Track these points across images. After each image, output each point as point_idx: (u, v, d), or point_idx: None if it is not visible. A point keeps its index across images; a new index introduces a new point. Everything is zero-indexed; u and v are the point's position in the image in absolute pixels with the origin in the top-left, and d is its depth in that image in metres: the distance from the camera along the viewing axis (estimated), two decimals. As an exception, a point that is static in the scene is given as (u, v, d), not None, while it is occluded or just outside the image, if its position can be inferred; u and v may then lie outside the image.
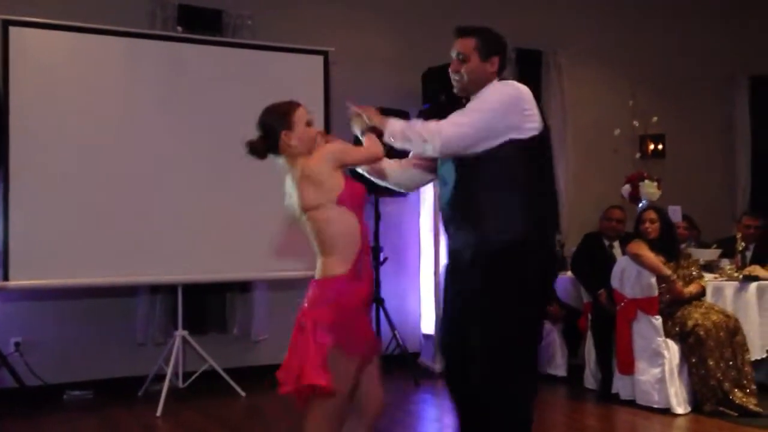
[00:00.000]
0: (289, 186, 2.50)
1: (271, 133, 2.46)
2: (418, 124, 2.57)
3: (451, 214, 2.64)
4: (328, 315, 2.29)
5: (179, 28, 5.22)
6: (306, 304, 2.38)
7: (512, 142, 2.49)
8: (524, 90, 2.57)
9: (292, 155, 2.45)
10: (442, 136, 2.49)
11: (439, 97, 5.73)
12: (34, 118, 4.56)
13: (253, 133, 4.95)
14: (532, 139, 2.52)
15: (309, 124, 2.48)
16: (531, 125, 2.53)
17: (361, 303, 2.40)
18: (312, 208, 2.39)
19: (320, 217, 2.38)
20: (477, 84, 2.62)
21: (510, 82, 2.64)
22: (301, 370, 2.25)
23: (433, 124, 2.52)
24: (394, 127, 2.57)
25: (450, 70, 2.67)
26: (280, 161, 2.50)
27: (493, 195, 2.52)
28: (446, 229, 2.72)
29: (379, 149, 2.54)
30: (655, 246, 4.57)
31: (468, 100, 2.66)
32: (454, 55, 2.65)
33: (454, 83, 2.67)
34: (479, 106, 2.55)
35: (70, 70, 4.67)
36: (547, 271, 2.65)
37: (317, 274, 2.41)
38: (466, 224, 2.57)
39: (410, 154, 2.81)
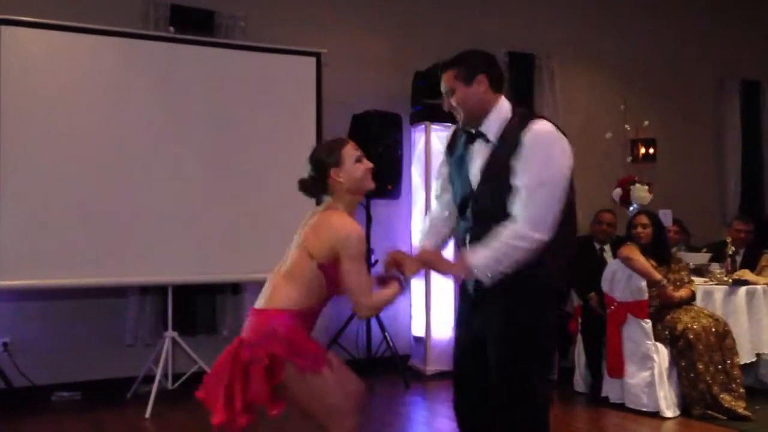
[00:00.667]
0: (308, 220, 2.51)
1: (321, 169, 2.42)
2: (500, 247, 2.35)
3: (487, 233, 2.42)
4: (276, 348, 2.33)
5: (172, 29, 5.20)
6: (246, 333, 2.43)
7: None
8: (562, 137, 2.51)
9: (340, 192, 2.43)
10: (535, 238, 2.35)
11: (429, 100, 5.74)
12: (25, 118, 4.53)
13: (245, 135, 4.95)
14: None
15: (359, 160, 2.44)
16: None
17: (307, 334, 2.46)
18: (308, 251, 2.42)
19: (300, 257, 2.45)
20: (476, 109, 2.51)
21: (549, 130, 2.47)
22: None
23: (510, 234, 2.35)
24: (478, 262, 2.37)
25: (445, 109, 2.59)
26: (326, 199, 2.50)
27: None
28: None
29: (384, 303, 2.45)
30: (646, 250, 4.59)
31: (477, 129, 2.51)
32: (443, 92, 2.56)
33: (457, 119, 2.57)
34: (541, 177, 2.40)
35: (62, 70, 4.65)
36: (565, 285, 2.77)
37: (268, 301, 2.42)
38: None
39: (429, 223, 2.75)
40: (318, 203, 2.50)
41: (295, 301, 2.37)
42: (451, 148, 2.66)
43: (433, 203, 2.80)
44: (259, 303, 2.45)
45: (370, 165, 2.45)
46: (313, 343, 2.39)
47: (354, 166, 2.41)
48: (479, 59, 2.56)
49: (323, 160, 2.41)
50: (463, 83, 2.50)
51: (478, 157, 2.50)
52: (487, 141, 2.48)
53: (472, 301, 2.56)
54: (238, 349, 2.36)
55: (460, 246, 2.58)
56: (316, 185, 2.45)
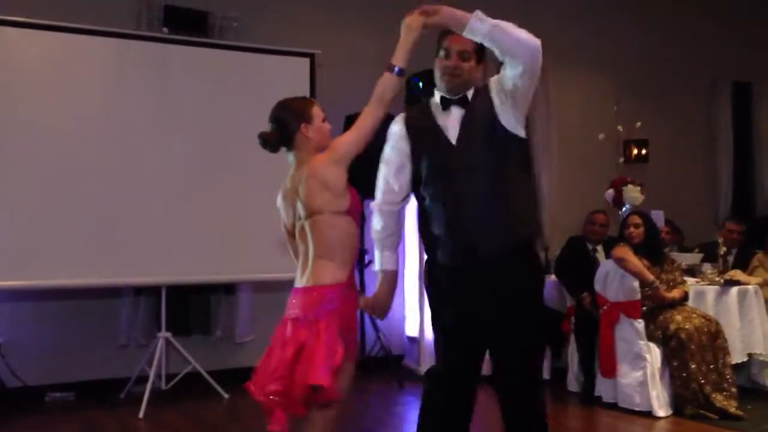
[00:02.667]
0: (293, 184, 2.52)
1: (287, 125, 2.52)
2: (509, 25, 2.50)
3: (480, 205, 2.48)
4: (335, 323, 2.33)
5: (165, 29, 5.21)
6: (300, 310, 2.37)
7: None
8: None
9: (307, 150, 2.53)
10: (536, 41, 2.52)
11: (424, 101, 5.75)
12: (18, 119, 4.52)
13: (238, 135, 4.94)
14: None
15: (324, 120, 2.59)
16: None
17: (356, 311, 2.49)
18: (317, 212, 2.41)
19: (326, 221, 2.43)
20: (470, 83, 2.61)
21: None
22: (307, 371, 2.26)
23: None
24: (480, 23, 2.46)
25: (449, 64, 2.58)
26: (290, 157, 2.57)
27: (522, 182, 2.56)
28: (462, 224, 2.50)
29: (383, 104, 2.55)
30: (639, 251, 4.61)
31: (458, 96, 2.59)
32: (454, 50, 2.59)
33: (449, 79, 2.58)
34: None
35: (55, 71, 4.64)
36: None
37: (312, 279, 2.40)
38: (499, 215, 2.48)
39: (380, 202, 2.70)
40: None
41: (338, 271, 2.43)
42: (412, 125, 2.66)
43: (380, 201, 2.68)
44: (303, 282, 2.47)
45: (330, 126, 2.61)
46: (346, 327, 2.46)
47: (322, 124, 2.56)
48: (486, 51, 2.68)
49: (296, 114, 2.52)
50: (477, 59, 2.62)
51: (454, 118, 2.56)
52: (464, 104, 2.58)
53: (464, 279, 2.53)
54: (294, 330, 2.36)
55: (448, 217, 2.54)
56: (281, 138, 2.53)
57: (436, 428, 2.63)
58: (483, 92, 2.58)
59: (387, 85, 2.51)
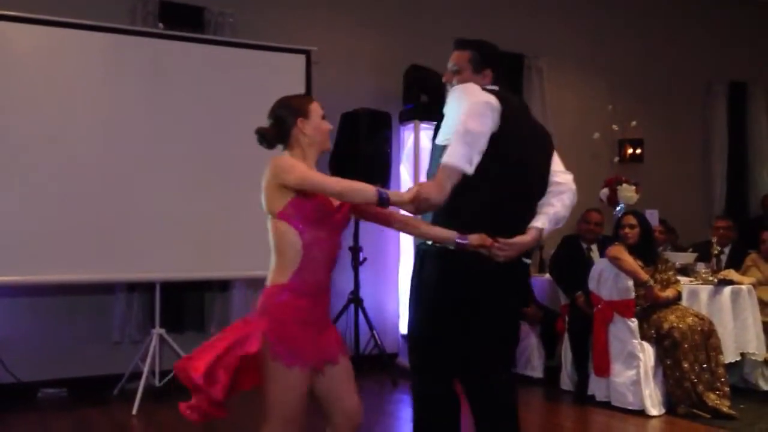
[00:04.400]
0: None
1: (284, 121, 2.45)
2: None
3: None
4: (262, 324, 2.25)
5: (161, 25, 5.19)
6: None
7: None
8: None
9: (302, 147, 2.43)
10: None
11: (420, 98, 5.76)
12: (11, 114, 4.49)
13: (233, 132, 4.94)
14: None
15: (323, 118, 2.49)
16: None
17: (302, 317, 2.30)
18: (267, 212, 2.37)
19: (269, 224, 2.37)
20: None
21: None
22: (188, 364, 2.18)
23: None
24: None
25: (444, 80, 2.70)
26: (286, 155, 2.45)
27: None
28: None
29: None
30: (633, 250, 4.62)
31: None
32: (449, 66, 2.69)
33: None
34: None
35: (50, 66, 4.62)
36: None
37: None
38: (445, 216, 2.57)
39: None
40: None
41: (279, 273, 2.33)
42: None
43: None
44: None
45: (330, 126, 2.50)
46: (302, 336, 2.26)
47: (320, 122, 2.45)
48: (493, 53, 2.71)
49: (293, 109, 2.44)
50: (472, 69, 2.63)
51: None
52: None
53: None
54: (240, 325, 2.31)
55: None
56: (277, 135, 2.46)
57: None
58: None
59: (367, 193, 2.29)
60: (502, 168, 2.53)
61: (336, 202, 2.37)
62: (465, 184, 2.46)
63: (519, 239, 2.55)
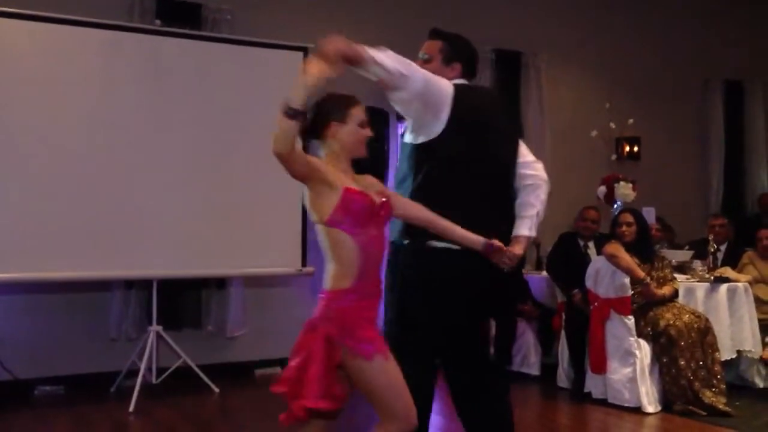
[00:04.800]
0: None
1: (321, 118, 2.35)
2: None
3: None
4: (330, 330, 2.23)
5: (158, 21, 5.18)
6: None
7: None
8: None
9: (333, 150, 2.34)
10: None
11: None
12: (6, 111, 4.48)
13: (231, 129, 4.94)
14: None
15: (362, 125, 2.36)
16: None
17: (367, 317, 2.29)
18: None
19: (320, 232, 2.30)
20: None
21: None
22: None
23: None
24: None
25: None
26: (320, 151, 2.39)
27: None
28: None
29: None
30: (630, 248, 4.62)
31: None
32: (420, 55, 2.69)
33: None
34: None
35: (47, 63, 4.60)
36: None
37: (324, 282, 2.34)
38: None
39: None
40: (305, 148, 2.35)
41: (340, 279, 2.25)
42: None
43: None
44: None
45: (370, 134, 2.40)
46: (371, 329, 2.26)
47: (356, 129, 2.35)
48: (465, 49, 2.72)
49: (329, 110, 2.35)
50: (442, 59, 2.64)
51: None
52: None
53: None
54: (308, 332, 2.28)
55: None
56: (312, 130, 2.37)
57: None
58: None
59: None
60: (467, 161, 2.56)
61: (378, 198, 2.32)
62: (432, 180, 2.51)
63: (514, 254, 2.59)
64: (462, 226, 2.49)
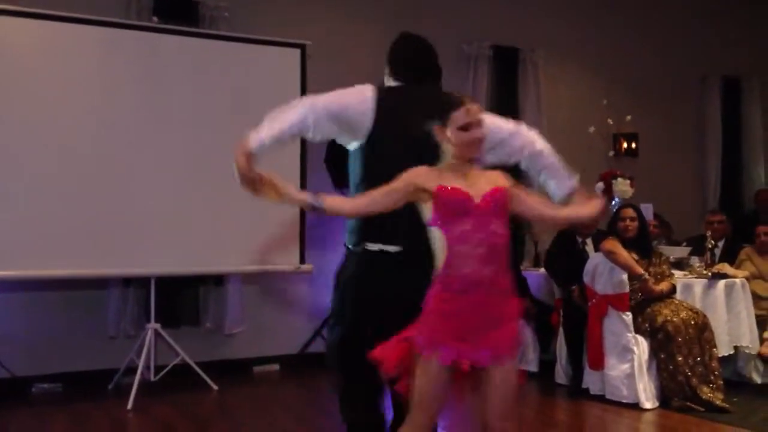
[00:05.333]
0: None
1: (435, 121, 2.37)
2: None
3: None
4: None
5: (155, 19, 5.17)
6: None
7: None
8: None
9: (447, 152, 2.34)
10: None
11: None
12: (3, 109, 4.47)
13: (229, 126, 4.88)
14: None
15: (464, 128, 2.28)
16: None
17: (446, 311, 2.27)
18: None
19: None
20: None
21: None
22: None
23: None
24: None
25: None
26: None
27: None
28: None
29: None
30: (628, 244, 4.63)
31: None
32: None
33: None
34: None
35: (43, 60, 4.59)
36: None
37: None
38: None
39: None
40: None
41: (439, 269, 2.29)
42: None
43: None
44: None
45: (476, 136, 2.31)
46: (443, 329, 2.21)
47: (456, 133, 2.30)
48: (395, 50, 2.88)
49: (441, 112, 2.35)
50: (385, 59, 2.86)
51: None
52: None
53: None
54: None
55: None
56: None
57: None
58: None
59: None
60: (393, 160, 2.50)
61: (478, 194, 2.26)
62: (369, 182, 2.50)
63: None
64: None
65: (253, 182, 2.44)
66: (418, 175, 2.30)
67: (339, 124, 2.64)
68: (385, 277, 2.61)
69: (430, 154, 2.36)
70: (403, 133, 2.58)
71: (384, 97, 2.67)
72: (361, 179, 2.65)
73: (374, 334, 2.38)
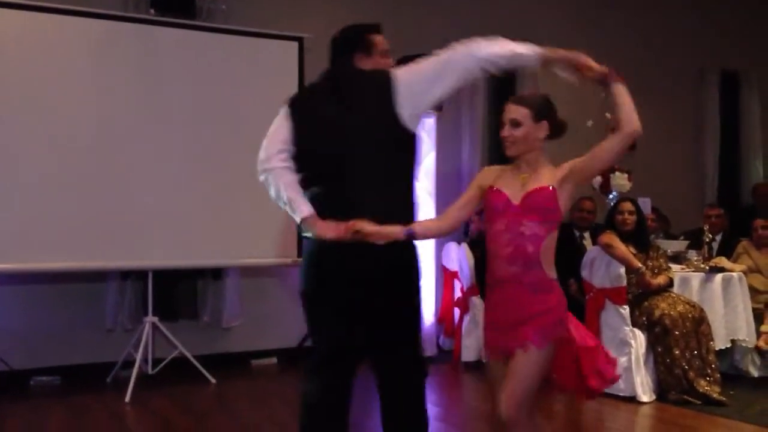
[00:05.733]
0: None
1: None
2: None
3: None
4: None
5: (152, 11, 5.15)
6: None
7: None
8: None
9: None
10: None
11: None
12: (1, 101, 4.47)
13: (226, 119, 4.85)
14: None
15: (502, 125, 2.50)
16: None
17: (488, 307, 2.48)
18: None
19: None
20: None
21: None
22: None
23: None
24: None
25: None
26: None
27: None
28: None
29: None
30: (626, 237, 4.63)
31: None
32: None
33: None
34: None
35: (40, 52, 4.58)
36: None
37: None
38: None
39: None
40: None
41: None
42: None
43: None
44: None
45: (504, 134, 2.50)
46: (486, 326, 2.48)
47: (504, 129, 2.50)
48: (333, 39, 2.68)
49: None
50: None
51: None
52: None
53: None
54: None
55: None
56: None
57: None
58: None
59: None
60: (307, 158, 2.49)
61: (518, 194, 2.42)
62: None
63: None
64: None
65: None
66: (483, 177, 2.49)
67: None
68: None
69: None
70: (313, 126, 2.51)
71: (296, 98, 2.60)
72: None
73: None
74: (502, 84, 6.72)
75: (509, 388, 2.32)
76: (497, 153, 6.56)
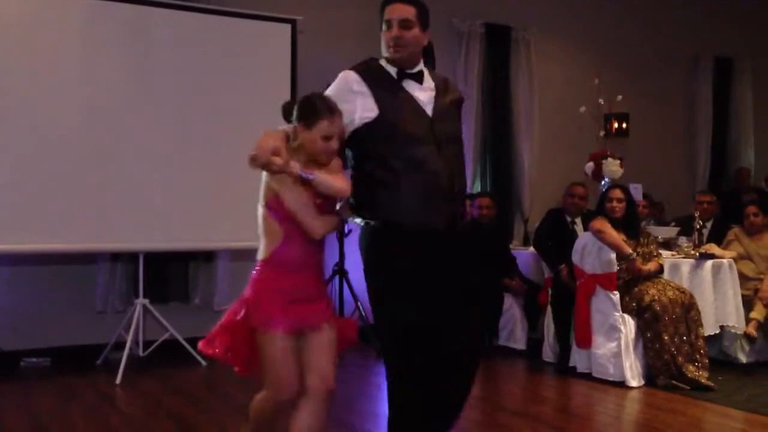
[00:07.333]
0: None
1: (296, 118, 2.43)
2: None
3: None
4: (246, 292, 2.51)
5: (144, -9, 5.10)
6: None
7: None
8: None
9: (297, 141, 2.44)
10: None
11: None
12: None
13: (218, 101, 4.83)
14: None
15: (326, 139, 2.39)
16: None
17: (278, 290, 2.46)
18: None
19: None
20: (417, 54, 2.60)
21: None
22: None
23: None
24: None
25: (391, 35, 2.53)
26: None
27: None
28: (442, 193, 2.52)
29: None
30: (617, 224, 4.64)
31: (412, 71, 2.59)
32: (398, 19, 2.53)
33: (390, 52, 2.56)
34: None
35: (29, 32, 4.53)
36: None
37: None
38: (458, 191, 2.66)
39: None
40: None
41: (262, 250, 2.55)
42: (376, 81, 2.58)
43: None
44: None
45: (333, 148, 2.43)
46: (275, 304, 2.43)
47: (318, 141, 2.40)
48: (429, 17, 2.64)
49: (303, 111, 2.42)
50: (421, 26, 2.57)
51: (419, 92, 2.58)
52: (421, 83, 2.60)
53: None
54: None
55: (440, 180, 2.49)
56: (284, 116, 2.53)
57: None
58: (447, 83, 2.70)
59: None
60: None
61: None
62: None
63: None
64: None
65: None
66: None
67: None
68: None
69: None
70: None
71: None
72: None
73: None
74: (495, 62, 6.70)
75: (330, 362, 2.47)
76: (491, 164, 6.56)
